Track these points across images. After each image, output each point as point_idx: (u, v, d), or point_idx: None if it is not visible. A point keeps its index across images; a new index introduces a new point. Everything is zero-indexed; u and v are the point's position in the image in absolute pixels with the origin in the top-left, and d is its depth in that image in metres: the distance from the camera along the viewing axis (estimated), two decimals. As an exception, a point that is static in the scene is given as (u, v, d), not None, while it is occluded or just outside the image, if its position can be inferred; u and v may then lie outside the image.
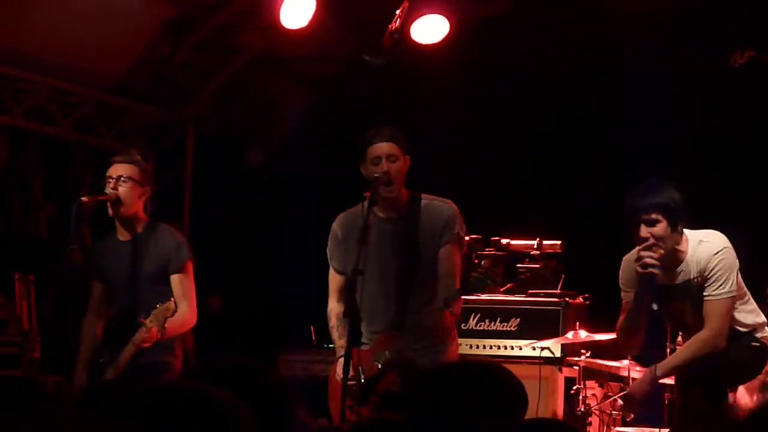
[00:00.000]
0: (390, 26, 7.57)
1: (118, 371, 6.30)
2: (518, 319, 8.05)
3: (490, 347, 8.06)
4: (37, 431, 2.98)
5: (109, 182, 6.43)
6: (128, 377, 6.21)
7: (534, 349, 7.88)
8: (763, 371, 6.49)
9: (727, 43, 7.23)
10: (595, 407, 7.32)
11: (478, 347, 8.05)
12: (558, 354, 7.85)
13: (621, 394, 7.02)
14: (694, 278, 5.83)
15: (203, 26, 9.02)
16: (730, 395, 6.31)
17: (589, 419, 7.33)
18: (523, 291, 8.19)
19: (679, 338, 6.55)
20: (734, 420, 6.05)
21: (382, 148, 5.87)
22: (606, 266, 6.23)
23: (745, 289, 5.97)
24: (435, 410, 3.34)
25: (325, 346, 8.44)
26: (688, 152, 8.55)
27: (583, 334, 7.45)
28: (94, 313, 6.64)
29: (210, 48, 9.22)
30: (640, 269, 5.76)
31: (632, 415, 6.61)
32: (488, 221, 8.12)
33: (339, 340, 5.92)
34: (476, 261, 8.32)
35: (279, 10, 8.01)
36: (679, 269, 5.86)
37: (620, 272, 6.00)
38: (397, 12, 7.62)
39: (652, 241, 5.72)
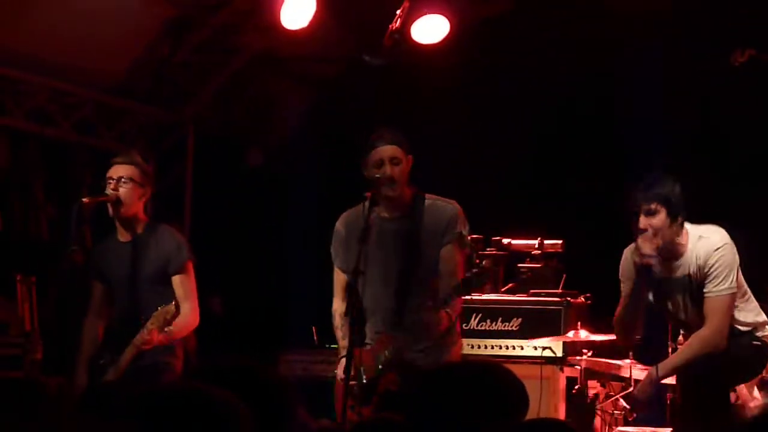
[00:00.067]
0: (390, 26, 7.57)
1: (118, 372, 6.31)
2: (520, 319, 8.04)
3: (492, 347, 8.06)
4: (38, 432, 2.98)
5: (110, 183, 6.44)
6: (129, 378, 6.21)
7: (535, 348, 7.88)
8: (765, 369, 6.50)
9: (727, 43, 7.23)
10: (597, 407, 7.31)
11: (479, 347, 8.04)
12: (559, 354, 7.85)
13: (623, 393, 7.02)
14: (693, 273, 5.82)
15: (203, 26, 9.02)
16: (732, 394, 6.31)
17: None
18: (524, 291, 8.18)
19: (680, 337, 6.55)
20: (736, 419, 6.04)
21: (385, 151, 5.89)
22: (606, 266, 6.23)
23: (746, 287, 5.96)
24: (435, 410, 3.34)
25: (327, 346, 8.44)
26: (688, 152, 8.54)
27: (584, 334, 7.44)
28: (95, 313, 6.65)
29: (210, 48, 9.22)
30: (637, 259, 5.77)
31: (634, 415, 6.62)
32: (488, 221, 8.11)
33: (342, 340, 5.92)
34: (477, 261, 8.30)
35: (279, 10, 8.01)
36: (678, 263, 5.86)
37: (620, 265, 6.01)
38: (398, 12, 7.62)
39: (651, 231, 5.73)
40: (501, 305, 8.12)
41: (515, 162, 9.18)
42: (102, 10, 8.25)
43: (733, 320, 5.88)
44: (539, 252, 8.32)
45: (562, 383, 7.79)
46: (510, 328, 8.05)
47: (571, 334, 7.55)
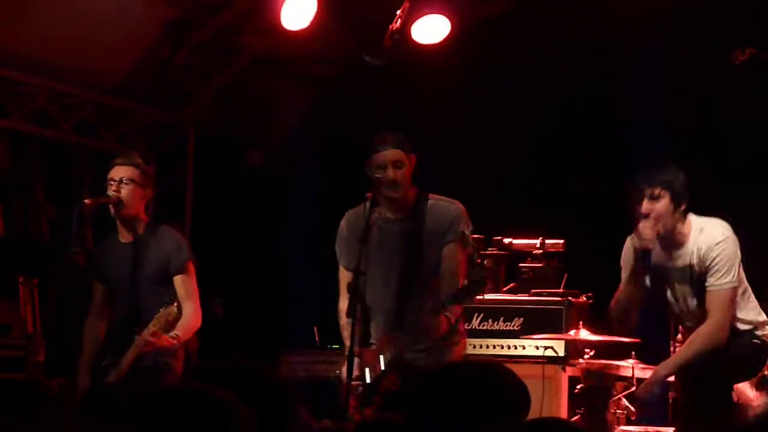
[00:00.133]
0: (390, 26, 7.57)
1: (120, 374, 6.31)
2: (521, 319, 8.04)
3: (494, 347, 8.06)
4: (40, 433, 2.99)
5: (111, 184, 6.44)
6: (130, 380, 6.22)
7: (537, 348, 7.87)
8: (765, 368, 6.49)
9: (727, 43, 7.23)
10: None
11: (481, 347, 8.04)
12: (561, 353, 7.85)
13: (625, 393, 7.01)
14: (694, 264, 5.82)
15: (204, 27, 9.02)
16: (733, 394, 6.31)
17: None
18: (525, 290, 8.18)
19: (679, 336, 6.54)
20: (738, 419, 6.04)
21: (388, 155, 5.90)
22: (608, 265, 6.23)
23: (747, 284, 5.96)
24: (435, 410, 3.33)
25: (329, 346, 8.44)
26: (688, 152, 8.53)
27: (585, 334, 7.43)
28: (96, 314, 6.65)
29: (211, 49, 9.22)
30: (636, 243, 5.77)
31: (636, 414, 6.62)
32: (488, 221, 8.11)
33: (348, 340, 5.92)
34: (478, 261, 8.30)
35: (280, 11, 8.01)
36: (679, 252, 5.86)
37: (622, 253, 6.01)
38: (398, 12, 7.62)
39: (653, 216, 5.73)
40: (502, 305, 8.12)
41: (516, 162, 9.18)
42: (102, 10, 8.25)
43: (733, 318, 5.88)
44: (540, 252, 8.32)
45: (564, 383, 7.79)
46: (511, 328, 8.05)
47: (572, 333, 7.55)
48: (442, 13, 7.94)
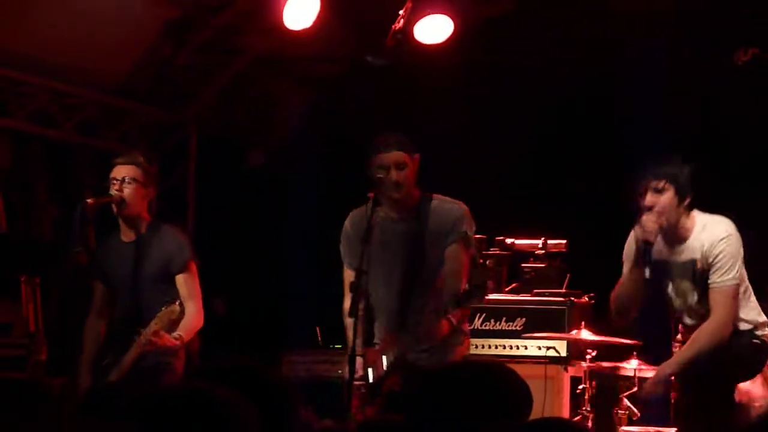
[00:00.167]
0: (393, 26, 7.57)
1: (122, 373, 6.31)
2: (523, 319, 8.04)
3: (496, 347, 8.05)
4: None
5: (114, 184, 6.45)
6: (131, 379, 6.21)
7: (540, 348, 7.87)
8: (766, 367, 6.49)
9: (729, 43, 7.22)
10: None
11: (483, 347, 8.03)
12: (564, 353, 7.84)
13: (627, 393, 7.00)
14: (696, 260, 5.81)
15: (205, 27, 9.01)
16: (735, 393, 6.30)
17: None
18: (527, 290, 8.18)
19: (679, 336, 6.52)
20: (740, 418, 6.04)
21: (391, 157, 5.89)
22: (610, 266, 6.23)
23: (748, 283, 5.96)
24: (436, 410, 3.33)
25: (330, 346, 8.44)
26: (688, 152, 8.52)
27: (588, 334, 7.42)
28: (97, 314, 6.66)
29: (212, 49, 9.22)
30: (639, 235, 5.76)
31: (638, 414, 6.61)
32: (489, 221, 8.11)
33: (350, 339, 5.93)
34: (481, 261, 8.30)
35: (281, 11, 8.00)
36: (681, 247, 5.85)
37: (625, 246, 6.00)
38: (401, 12, 7.62)
39: (656, 209, 5.72)
40: (505, 305, 8.12)
41: (517, 162, 9.18)
42: (103, 10, 8.25)
43: (735, 317, 5.87)
44: (543, 252, 8.32)
45: (567, 383, 7.78)
46: (514, 328, 8.04)
47: (574, 333, 7.54)
48: (444, 13, 7.93)
